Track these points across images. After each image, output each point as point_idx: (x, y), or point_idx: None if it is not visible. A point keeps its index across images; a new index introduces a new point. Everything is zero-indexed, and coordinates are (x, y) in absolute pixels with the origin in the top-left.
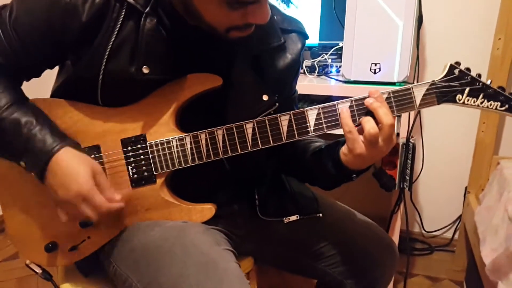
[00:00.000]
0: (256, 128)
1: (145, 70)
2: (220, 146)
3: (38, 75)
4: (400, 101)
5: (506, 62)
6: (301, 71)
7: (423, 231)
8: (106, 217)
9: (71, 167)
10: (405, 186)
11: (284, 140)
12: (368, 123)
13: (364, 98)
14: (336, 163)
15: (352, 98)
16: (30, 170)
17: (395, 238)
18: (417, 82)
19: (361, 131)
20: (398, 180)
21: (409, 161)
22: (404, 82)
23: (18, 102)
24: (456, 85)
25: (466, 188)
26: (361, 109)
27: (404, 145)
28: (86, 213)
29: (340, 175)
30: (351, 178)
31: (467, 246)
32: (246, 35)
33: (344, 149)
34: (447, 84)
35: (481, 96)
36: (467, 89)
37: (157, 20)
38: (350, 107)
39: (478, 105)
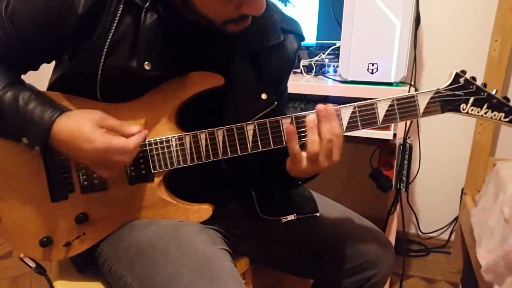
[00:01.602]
0: (257, 130)
1: (147, 66)
2: (220, 147)
3: (35, 68)
4: (404, 108)
5: (503, 64)
6: (298, 70)
7: (419, 232)
8: (102, 214)
9: (74, 128)
10: (401, 187)
11: (284, 143)
12: (311, 143)
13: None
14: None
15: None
16: (33, 144)
17: (391, 239)
18: (414, 82)
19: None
20: (394, 181)
21: (405, 162)
22: (401, 82)
23: (14, 82)
24: (461, 94)
25: (462, 189)
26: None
27: (401, 146)
28: (118, 161)
29: (288, 180)
30: (297, 184)
31: (463, 247)
32: (242, 29)
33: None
34: (452, 92)
35: (485, 106)
36: (471, 99)
37: (157, 16)
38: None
39: (482, 115)
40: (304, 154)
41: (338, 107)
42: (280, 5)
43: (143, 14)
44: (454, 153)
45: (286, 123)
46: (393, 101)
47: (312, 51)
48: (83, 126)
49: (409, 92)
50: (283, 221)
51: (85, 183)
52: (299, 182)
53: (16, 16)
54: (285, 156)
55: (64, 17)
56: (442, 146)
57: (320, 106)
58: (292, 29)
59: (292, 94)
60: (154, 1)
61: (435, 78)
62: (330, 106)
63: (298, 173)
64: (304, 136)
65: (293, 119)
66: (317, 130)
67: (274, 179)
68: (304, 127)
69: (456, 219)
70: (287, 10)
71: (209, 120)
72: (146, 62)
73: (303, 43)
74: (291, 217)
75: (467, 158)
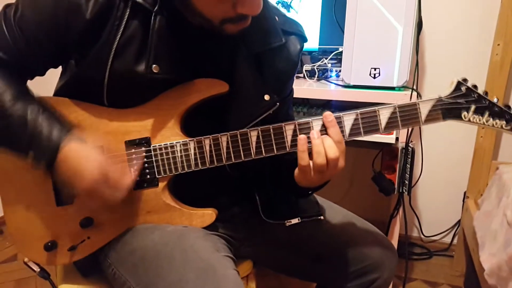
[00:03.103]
0: (260, 136)
1: (155, 69)
2: (223, 153)
3: (42, 73)
4: (406, 116)
5: (505, 68)
6: (301, 75)
7: (422, 236)
8: (107, 218)
9: (82, 153)
10: (404, 190)
11: (288, 150)
12: (317, 154)
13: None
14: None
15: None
16: (38, 161)
17: (394, 242)
18: (417, 87)
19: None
20: (397, 185)
21: (408, 166)
22: (404, 87)
23: (23, 96)
24: (462, 102)
25: (465, 193)
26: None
27: (404, 150)
28: (108, 194)
29: (298, 190)
30: (308, 194)
31: (465, 251)
32: (241, 29)
33: (297, 170)
34: (453, 101)
35: (487, 114)
36: (473, 107)
37: (166, 20)
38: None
39: (483, 123)
40: (311, 164)
41: (341, 114)
42: (282, 11)
43: (152, 17)
44: (456, 156)
45: (290, 130)
46: (395, 108)
47: (314, 56)
48: (91, 154)
49: (411, 96)
50: (287, 225)
51: None
52: (309, 192)
53: (24, 22)
54: (293, 167)
55: (72, 21)
56: (444, 149)
57: (327, 113)
58: (294, 30)
59: (295, 98)
60: (162, 5)
61: (437, 83)
62: (328, 112)
63: (307, 182)
64: (308, 143)
65: (296, 125)
66: (322, 142)
67: (283, 189)
68: (308, 133)
69: (458, 222)
70: (290, 16)
71: (213, 121)
72: (154, 65)
73: (305, 48)
74: (295, 221)
75: (469, 161)
